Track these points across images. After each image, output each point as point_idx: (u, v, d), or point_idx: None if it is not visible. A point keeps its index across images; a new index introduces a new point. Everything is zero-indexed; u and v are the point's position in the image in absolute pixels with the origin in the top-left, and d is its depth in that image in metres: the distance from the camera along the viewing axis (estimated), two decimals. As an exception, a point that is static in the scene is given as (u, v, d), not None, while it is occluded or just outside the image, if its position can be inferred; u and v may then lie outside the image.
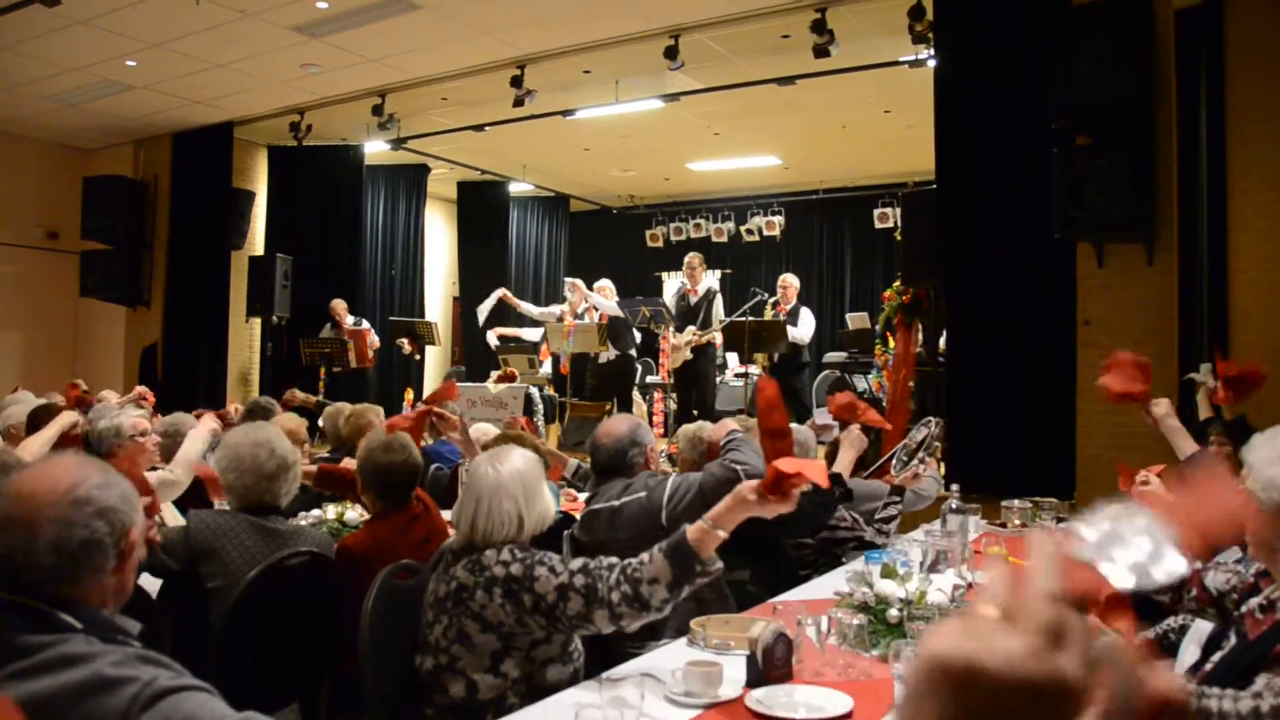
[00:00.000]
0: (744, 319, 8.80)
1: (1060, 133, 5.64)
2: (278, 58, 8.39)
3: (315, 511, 3.96)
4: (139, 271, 10.87)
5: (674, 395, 9.42)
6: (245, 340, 10.84)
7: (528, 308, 10.41)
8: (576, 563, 2.25)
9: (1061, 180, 5.52)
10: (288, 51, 8.23)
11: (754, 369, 9.22)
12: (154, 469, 3.81)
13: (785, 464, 2.15)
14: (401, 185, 12.49)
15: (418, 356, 10.50)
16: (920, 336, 7.52)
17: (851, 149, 11.23)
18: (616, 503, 3.09)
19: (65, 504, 1.46)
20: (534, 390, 9.13)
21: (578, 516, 3.41)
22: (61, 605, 1.42)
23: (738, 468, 2.96)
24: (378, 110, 9.29)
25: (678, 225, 14.09)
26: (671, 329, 9.09)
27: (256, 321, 10.64)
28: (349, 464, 3.97)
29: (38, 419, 4.38)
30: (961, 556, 2.98)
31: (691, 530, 2.16)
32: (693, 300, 9.29)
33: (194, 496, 3.73)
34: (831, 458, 4.00)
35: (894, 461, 4.13)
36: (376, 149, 10.89)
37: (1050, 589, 0.60)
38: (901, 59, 7.57)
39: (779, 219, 13.40)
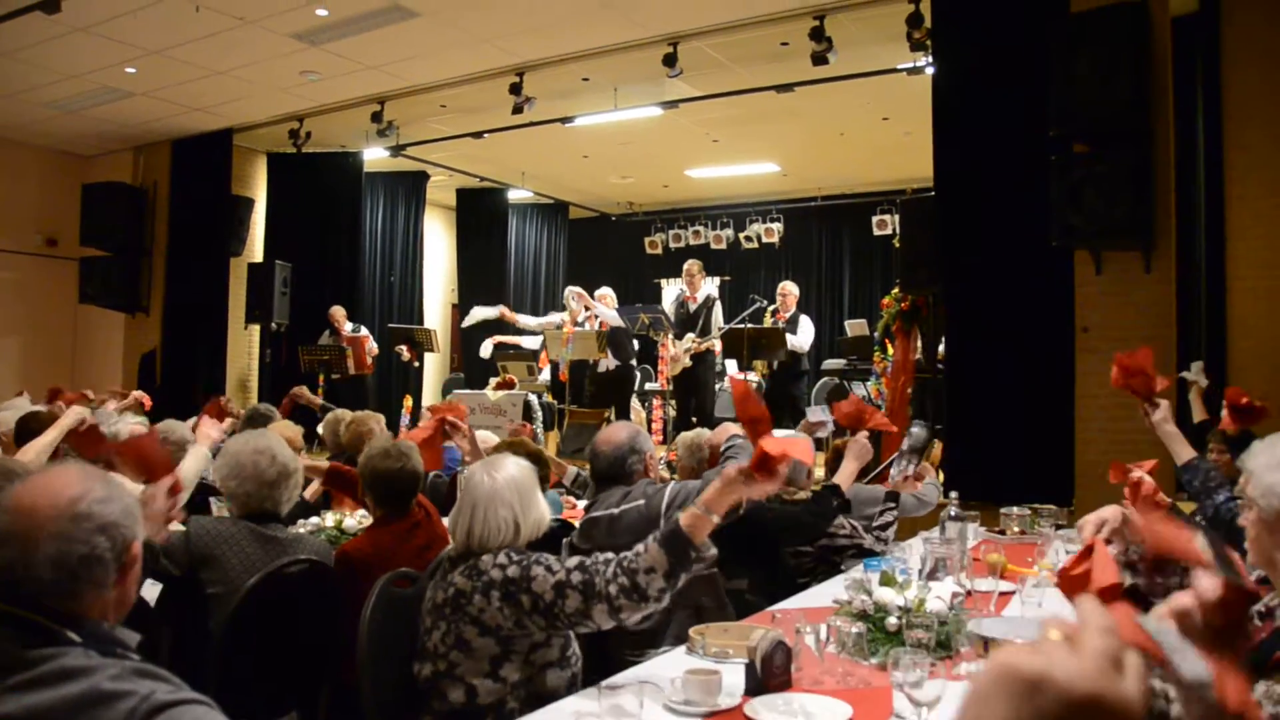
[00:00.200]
0: (743, 326, 8.80)
1: (1058, 140, 5.65)
2: (277, 65, 8.40)
3: (314, 519, 3.95)
4: (138, 278, 10.88)
5: (673, 402, 9.42)
6: (244, 347, 10.84)
7: (525, 321, 10.40)
8: (573, 560, 2.27)
9: (1059, 187, 5.53)
10: (287, 59, 8.24)
11: (753, 376, 9.22)
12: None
13: (770, 444, 2.19)
14: (400, 192, 12.50)
15: (416, 363, 10.49)
16: (919, 343, 7.52)
17: (850, 156, 11.24)
18: (615, 510, 3.09)
19: (66, 519, 1.43)
20: (533, 397, 9.12)
21: (577, 524, 3.41)
22: (61, 619, 1.41)
23: None
24: (377, 117, 9.30)
25: (676, 232, 14.10)
26: (670, 336, 9.09)
27: (255, 328, 10.64)
28: None
29: (27, 426, 4.35)
30: (960, 564, 2.98)
31: (685, 517, 2.18)
32: (692, 307, 9.29)
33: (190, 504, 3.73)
34: (833, 464, 3.99)
35: (893, 469, 4.13)
36: (376, 156, 10.90)
37: (1110, 626, 0.67)
38: (900, 66, 7.58)
39: (778, 226, 13.42)
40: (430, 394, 11.75)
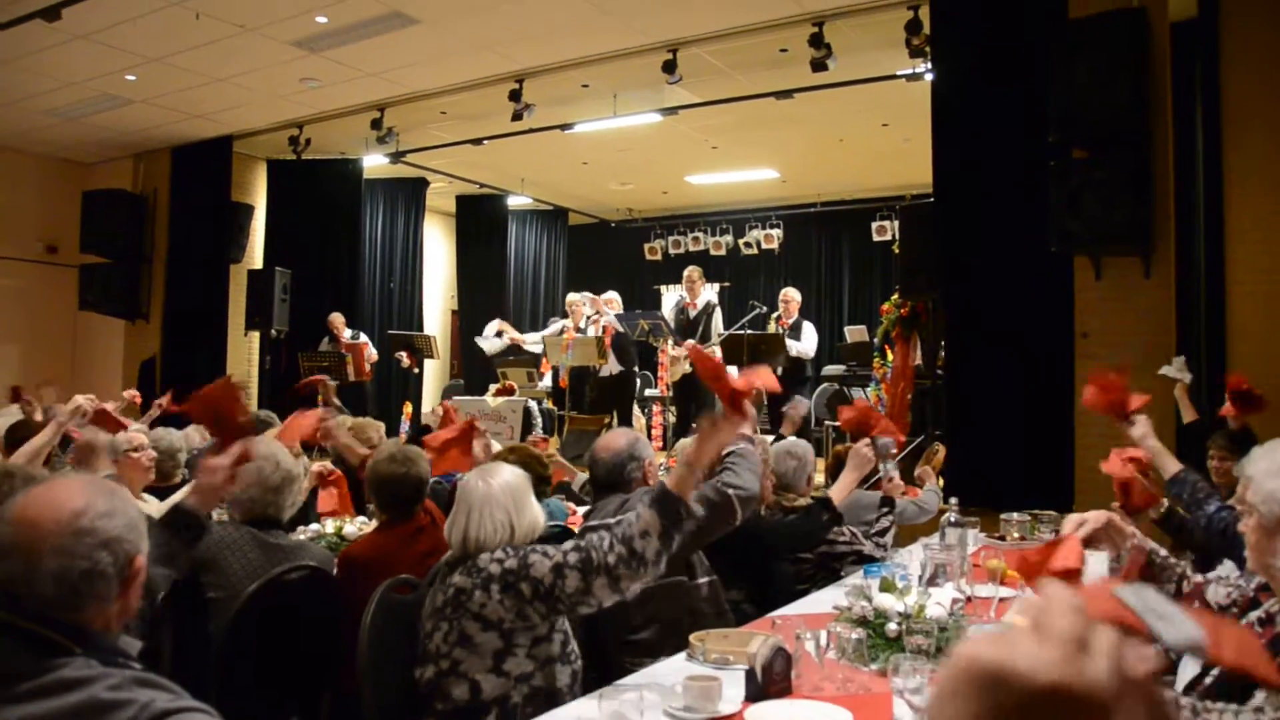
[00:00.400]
0: (742, 332, 8.81)
1: (1057, 146, 5.65)
2: (277, 72, 8.41)
3: (314, 526, 3.96)
4: (138, 285, 10.89)
5: (673, 408, 9.42)
6: (244, 354, 10.84)
7: (530, 338, 10.41)
8: (568, 544, 2.33)
9: (1059, 193, 5.53)
10: (287, 66, 8.26)
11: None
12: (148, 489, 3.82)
13: (735, 381, 2.37)
14: (400, 199, 12.51)
15: (416, 370, 10.49)
16: (919, 349, 7.52)
17: (849, 162, 11.25)
18: (613, 520, 3.08)
19: (68, 534, 1.43)
20: (532, 404, 9.13)
21: (576, 531, 3.41)
22: (62, 630, 1.41)
23: (730, 492, 2.95)
24: (377, 124, 9.31)
25: (676, 238, 14.12)
26: (670, 342, 9.09)
27: (255, 335, 10.63)
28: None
29: (15, 435, 4.34)
30: (960, 570, 2.97)
31: (670, 478, 2.28)
32: (692, 314, 9.29)
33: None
34: (835, 471, 3.98)
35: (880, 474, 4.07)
36: (375, 163, 10.91)
37: (1079, 605, 0.63)
38: (899, 72, 7.59)
39: (777, 232, 13.43)
40: (430, 401, 11.74)
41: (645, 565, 2.23)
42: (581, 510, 4.19)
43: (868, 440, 3.73)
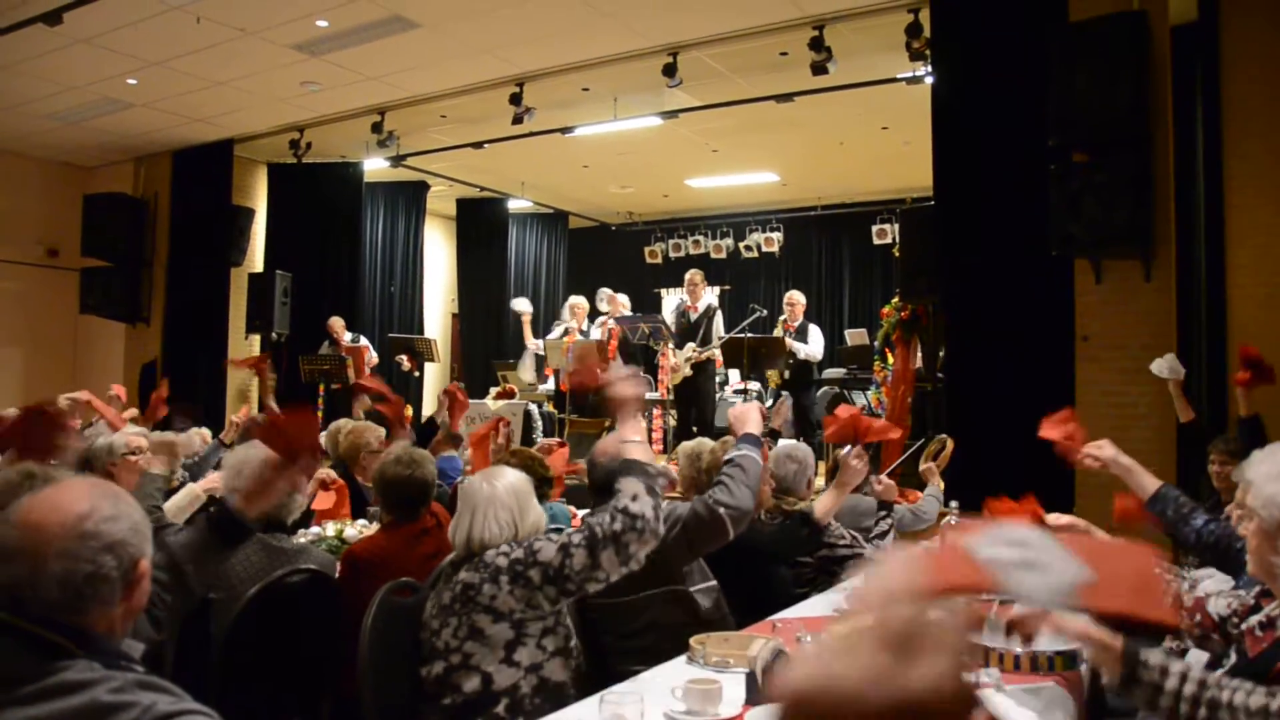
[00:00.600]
0: (743, 335, 8.80)
1: (1057, 149, 5.65)
2: (277, 76, 8.42)
3: (315, 529, 3.96)
4: (139, 288, 10.89)
5: (674, 412, 9.41)
6: (244, 357, 10.83)
7: (536, 344, 10.41)
8: (570, 529, 2.41)
9: (1059, 196, 5.53)
10: (287, 69, 8.26)
11: (753, 385, 9.23)
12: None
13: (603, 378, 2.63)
14: (401, 202, 12.52)
15: (416, 373, 10.49)
16: (919, 353, 7.52)
17: (849, 165, 11.26)
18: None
19: (73, 538, 1.43)
20: (533, 407, 9.12)
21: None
22: (65, 632, 1.41)
23: (721, 512, 2.95)
24: (377, 128, 9.31)
25: (676, 242, 14.12)
26: (670, 346, 9.09)
27: (256, 338, 10.64)
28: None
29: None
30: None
31: (619, 457, 2.45)
32: (693, 317, 9.28)
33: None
34: (835, 474, 3.97)
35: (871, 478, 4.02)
36: (376, 166, 10.91)
37: (910, 587, 0.58)
38: (899, 76, 7.59)
39: (777, 235, 13.44)
40: (430, 404, 11.74)
41: (646, 523, 2.29)
42: (582, 513, 4.20)
43: (859, 450, 3.57)
